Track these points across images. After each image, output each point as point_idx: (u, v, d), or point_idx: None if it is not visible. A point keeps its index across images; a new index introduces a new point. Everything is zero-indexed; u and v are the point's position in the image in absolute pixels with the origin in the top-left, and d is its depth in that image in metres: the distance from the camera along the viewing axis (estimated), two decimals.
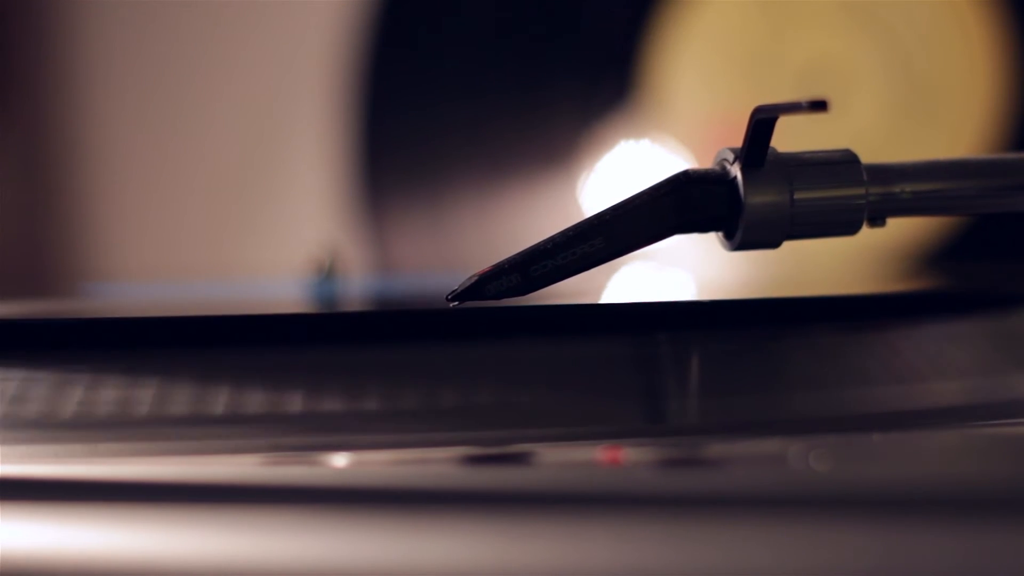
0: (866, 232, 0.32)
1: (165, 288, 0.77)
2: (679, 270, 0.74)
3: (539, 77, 0.88)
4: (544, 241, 0.30)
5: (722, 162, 0.31)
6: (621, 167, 0.85)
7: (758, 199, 0.31)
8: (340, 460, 0.28)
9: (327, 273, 0.59)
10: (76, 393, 0.29)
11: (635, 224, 0.31)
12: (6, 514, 0.24)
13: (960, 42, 0.77)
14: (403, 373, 0.30)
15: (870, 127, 0.78)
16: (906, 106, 0.78)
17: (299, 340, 0.31)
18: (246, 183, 1.02)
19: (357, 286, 0.69)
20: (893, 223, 0.33)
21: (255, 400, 0.29)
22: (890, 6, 0.79)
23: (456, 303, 0.30)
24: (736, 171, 0.31)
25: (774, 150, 0.31)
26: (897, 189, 0.32)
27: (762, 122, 0.30)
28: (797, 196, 0.31)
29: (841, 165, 0.31)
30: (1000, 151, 0.75)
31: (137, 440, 0.28)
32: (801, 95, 0.29)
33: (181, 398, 0.29)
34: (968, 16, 0.77)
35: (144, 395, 0.29)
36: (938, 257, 0.76)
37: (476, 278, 0.30)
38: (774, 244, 0.31)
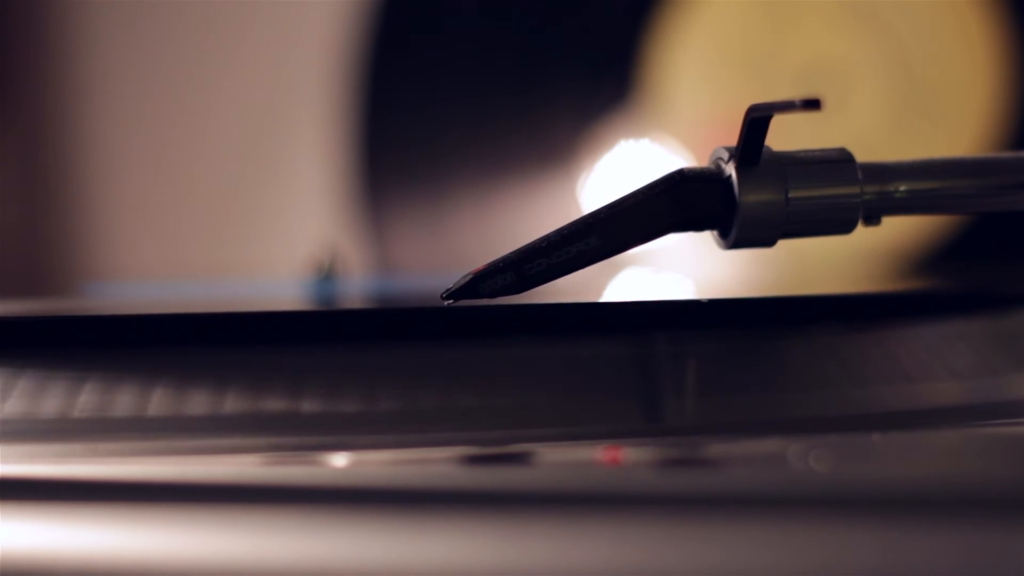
0: (866, 232, 0.32)
1: (164, 287, 0.77)
2: (677, 271, 0.74)
3: (539, 76, 0.88)
4: (539, 239, 0.30)
5: (717, 161, 0.31)
6: (621, 167, 0.85)
7: (753, 198, 0.31)
8: (337, 459, 0.28)
9: (327, 273, 0.59)
10: (73, 392, 0.29)
11: (630, 222, 0.31)
12: (5, 514, 0.24)
13: (960, 42, 0.77)
14: (400, 372, 0.30)
15: (870, 127, 0.78)
16: (906, 106, 0.78)
17: (297, 339, 0.30)
18: (246, 183, 1.02)
19: (357, 286, 0.69)
20: (893, 222, 0.33)
21: (253, 399, 0.29)
22: (890, 6, 0.79)
23: (451, 301, 0.30)
24: (731, 170, 0.31)
25: (769, 149, 0.31)
26: (892, 188, 0.32)
27: (756, 121, 0.30)
28: (792, 195, 0.31)
29: (836, 164, 0.31)
30: (1000, 151, 0.75)
31: (135, 439, 0.28)
32: (800, 95, 0.29)
33: (179, 397, 0.29)
34: (968, 16, 0.77)
35: (142, 394, 0.29)
36: (938, 257, 0.76)
37: (471, 276, 0.30)
38: (769, 243, 0.31)
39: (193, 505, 0.23)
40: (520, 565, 0.22)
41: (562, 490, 0.23)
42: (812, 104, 0.28)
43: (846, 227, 0.32)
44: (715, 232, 0.32)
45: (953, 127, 0.77)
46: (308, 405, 0.29)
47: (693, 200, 0.31)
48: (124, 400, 0.29)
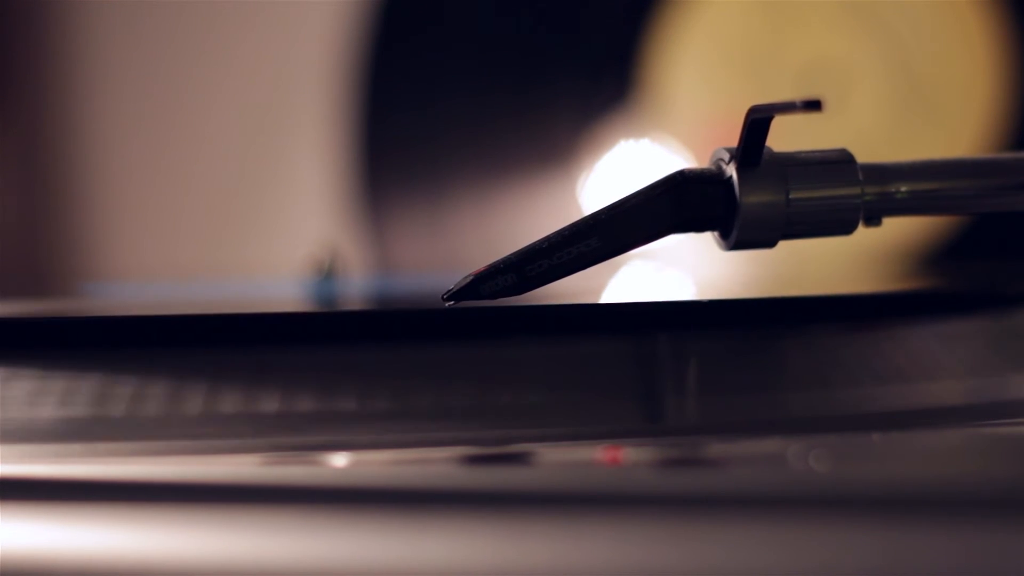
0: (866, 232, 0.32)
1: (164, 288, 0.77)
2: (678, 270, 0.74)
3: (539, 76, 0.88)
4: (540, 240, 0.30)
5: (718, 162, 0.31)
6: (621, 167, 0.85)
7: (754, 198, 0.31)
8: (337, 460, 0.28)
9: (327, 273, 0.59)
10: (72, 393, 0.29)
11: (631, 223, 0.31)
12: (5, 514, 0.24)
13: (960, 42, 0.77)
14: (400, 373, 0.30)
15: (870, 127, 0.78)
16: (906, 106, 0.78)
17: (297, 339, 0.30)
18: (246, 183, 1.02)
19: (357, 286, 0.69)
20: (893, 223, 0.33)
21: (253, 400, 0.29)
22: (890, 6, 0.79)
23: (451, 302, 0.30)
24: (732, 171, 0.31)
25: (770, 150, 0.31)
26: (893, 188, 0.32)
27: (757, 122, 0.30)
28: (793, 196, 0.31)
29: (837, 165, 0.31)
30: (1000, 151, 0.75)
31: (134, 440, 0.28)
32: (801, 95, 0.29)
33: (178, 398, 0.29)
34: (968, 16, 0.77)
35: (141, 395, 0.29)
36: (938, 257, 0.76)
37: (471, 278, 0.30)
38: (770, 243, 0.31)
39: (191, 505, 0.23)
40: (520, 565, 0.22)
41: (562, 490, 0.23)
42: (813, 105, 0.28)
43: (847, 228, 0.32)
44: (716, 233, 0.32)
45: (953, 127, 0.77)
46: (307, 405, 0.29)
47: (694, 201, 0.31)
48: (123, 400, 0.29)
